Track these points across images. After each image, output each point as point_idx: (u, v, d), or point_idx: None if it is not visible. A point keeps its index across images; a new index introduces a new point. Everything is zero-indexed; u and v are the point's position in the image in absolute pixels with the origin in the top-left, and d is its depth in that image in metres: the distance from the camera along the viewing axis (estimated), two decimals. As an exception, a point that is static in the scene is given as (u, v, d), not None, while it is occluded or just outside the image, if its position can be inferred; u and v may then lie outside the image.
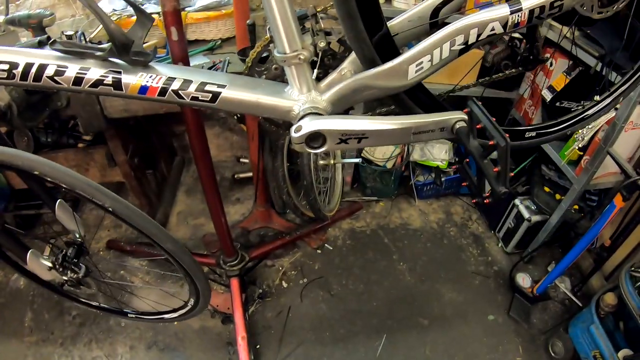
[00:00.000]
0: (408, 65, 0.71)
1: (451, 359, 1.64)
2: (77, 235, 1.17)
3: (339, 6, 0.66)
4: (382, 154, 2.18)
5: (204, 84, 0.73)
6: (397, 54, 0.72)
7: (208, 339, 1.68)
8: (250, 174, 2.22)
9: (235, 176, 2.38)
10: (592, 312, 1.47)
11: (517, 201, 1.92)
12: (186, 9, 1.67)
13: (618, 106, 1.33)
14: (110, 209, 0.93)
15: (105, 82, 0.71)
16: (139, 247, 1.90)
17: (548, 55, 1.67)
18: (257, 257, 1.87)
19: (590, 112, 0.94)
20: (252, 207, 2.15)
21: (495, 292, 1.89)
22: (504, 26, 0.68)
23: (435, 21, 0.81)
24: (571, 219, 1.80)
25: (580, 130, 1.50)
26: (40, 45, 0.94)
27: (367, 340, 1.69)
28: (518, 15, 0.68)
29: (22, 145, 1.56)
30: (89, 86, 0.71)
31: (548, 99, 1.69)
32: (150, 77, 0.72)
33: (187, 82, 0.72)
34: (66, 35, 1.31)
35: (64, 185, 0.89)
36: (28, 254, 1.10)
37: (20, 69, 0.69)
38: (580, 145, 1.55)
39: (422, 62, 0.71)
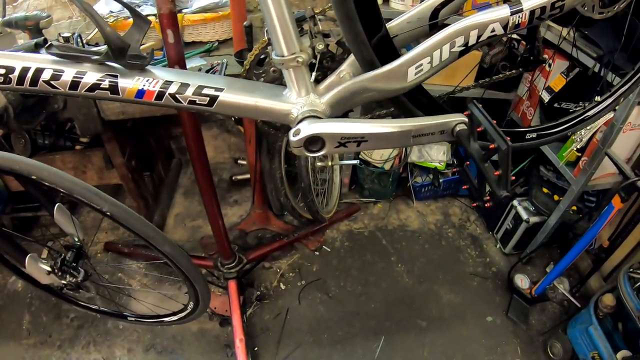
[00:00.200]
0: (407, 68, 0.70)
1: (450, 360, 1.64)
2: (76, 239, 1.17)
3: (337, 8, 0.65)
4: (380, 156, 2.18)
5: (201, 87, 0.72)
6: (396, 56, 0.71)
7: (206, 342, 1.67)
8: (248, 176, 2.22)
9: (233, 178, 2.37)
10: (591, 313, 1.47)
11: (515, 202, 1.92)
12: (183, 10, 1.66)
13: (617, 107, 1.33)
14: (108, 213, 0.93)
15: (101, 86, 0.70)
16: (137, 250, 1.90)
17: (547, 56, 1.67)
18: (254, 259, 1.87)
19: (590, 112, 0.94)
20: (250, 209, 2.14)
21: (494, 293, 1.89)
22: (505, 27, 0.68)
23: (434, 23, 0.81)
24: (569, 220, 1.80)
25: (578, 132, 1.50)
26: (37, 47, 0.93)
27: (365, 342, 1.68)
28: (519, 16, 0.67)
29: (19, 148, 1.56)
30: (86, 90, 0.70)
31: (546, 100, 1.69)
32: (147, 81, 0.71)
33: (184, 86, 0.72)
34: (63, 37, 1.31)
35: (62, 190, 0.88)
36: (27, 258, 1.10)
37: (16, 73, 0.69)
38: (578, 147, 1.56)
39: (421, 64, 0.70)
